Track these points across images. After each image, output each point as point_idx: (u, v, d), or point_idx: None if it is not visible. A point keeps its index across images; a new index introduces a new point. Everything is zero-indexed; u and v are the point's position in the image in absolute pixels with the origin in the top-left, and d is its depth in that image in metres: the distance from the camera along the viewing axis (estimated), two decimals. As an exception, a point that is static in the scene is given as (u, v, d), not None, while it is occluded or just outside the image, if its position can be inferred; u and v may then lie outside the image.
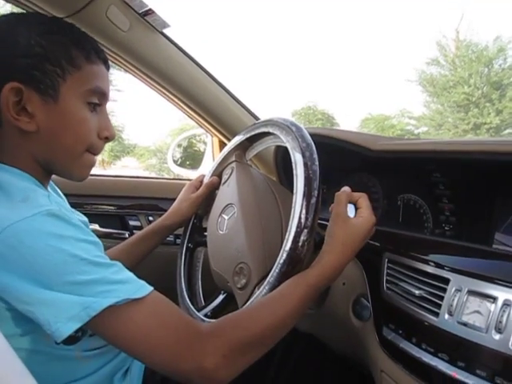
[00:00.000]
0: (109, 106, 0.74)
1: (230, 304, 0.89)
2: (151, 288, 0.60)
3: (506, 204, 0.77)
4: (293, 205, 0.72)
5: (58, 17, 0.70)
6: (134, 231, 1.33)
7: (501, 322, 0.56)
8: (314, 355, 0.96)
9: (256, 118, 1.38)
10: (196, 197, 1.02)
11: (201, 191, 1.02)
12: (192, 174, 1.57)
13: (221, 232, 0.89)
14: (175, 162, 1.62)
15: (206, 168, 1.40)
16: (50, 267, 0.54)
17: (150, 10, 1.04)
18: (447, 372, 0.61)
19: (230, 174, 0.97)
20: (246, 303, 0.74)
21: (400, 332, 0.70)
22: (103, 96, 0.71)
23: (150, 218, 1.39)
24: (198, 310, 0.91)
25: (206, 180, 1.04)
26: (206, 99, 1.26)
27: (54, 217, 0.57)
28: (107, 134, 0.72)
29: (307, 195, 0.71)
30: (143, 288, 0.59)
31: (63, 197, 0.85)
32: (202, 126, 1.41)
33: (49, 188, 0.75)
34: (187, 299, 0.95)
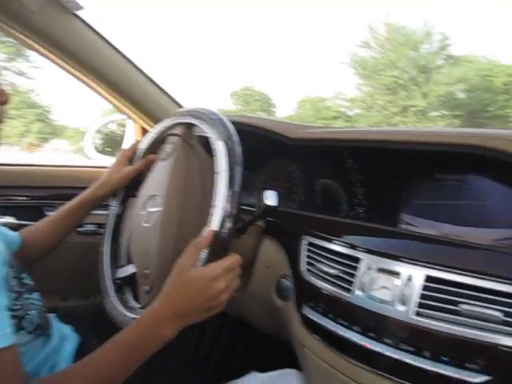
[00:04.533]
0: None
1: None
2: (6, 344, 0.57)
3: (410, 188, 0.85)
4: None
5: None
6: None
7: (404, 294, 0.63)
8: (242, 336, 1.00)
9: (177, 103, 1.37)
10: (129, 171, 0.97)
11: (136, 167, 0.97)
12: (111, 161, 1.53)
13: (144, 225, 0.87)
14: (95, 148, 1.56)
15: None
16: None
17: (62, -10, 0.99)
18: (360, 343, 0.66)
19: (171, 154, 0.91)
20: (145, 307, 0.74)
21: (318, 309, 0.76)
22: None
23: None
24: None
25: (140, 151, 1.00)
26: (123, 84, 1.23)
27: None
28: (4, 99, 0.69)
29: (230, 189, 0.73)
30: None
31: None
32: (122, 112, 1.37)
33: None
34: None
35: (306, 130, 0.95)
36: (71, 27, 1.08)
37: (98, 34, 1.13)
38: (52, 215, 0.98)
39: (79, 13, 1.07)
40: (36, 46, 1.06)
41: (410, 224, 0.85)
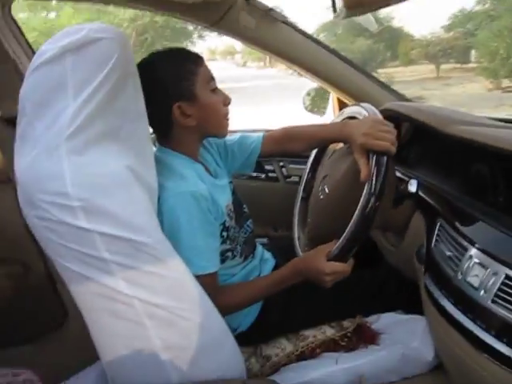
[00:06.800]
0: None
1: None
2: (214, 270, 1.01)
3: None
4: None
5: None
6: (269, 174, 1.76)
7: (482, 282, 0.81)
8: (395, 281, 1.27)
9: (373, 79, 1.58)
10: None
11: None
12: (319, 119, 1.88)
13: (321, 196, 1.19)
14: (305, 108, 1.92)
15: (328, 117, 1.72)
16: None
17: (271, 8, 1.31)
18: (450, 312, 0.89)
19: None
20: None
21: (434, 281, 0.98)
22: (214, 80, 1.07)
23: (281, 164, 1.77)
24: None
25: None
26: (324, 71, 1.52)
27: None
28: (228, 101, 1.10)
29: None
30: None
31: (213, 148, 1.25)
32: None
33: (201, 149, 1.16)
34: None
35: (460, 125, 1.06)
36: (283, 33, 1.40)
37: (303, 33, 1.43)
38: (300, 130, 1.25)
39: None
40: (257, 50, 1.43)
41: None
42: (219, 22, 1.28)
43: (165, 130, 1.06)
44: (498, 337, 0.77)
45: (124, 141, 0.89)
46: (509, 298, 0.77)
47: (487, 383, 0.82)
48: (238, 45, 36.93)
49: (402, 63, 20.48)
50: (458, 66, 19.11)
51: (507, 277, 0.78)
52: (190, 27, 18.04)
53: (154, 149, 1.10)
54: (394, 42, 20.93)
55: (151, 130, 1.05)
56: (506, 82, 14.73)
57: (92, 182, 0.81)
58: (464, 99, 12.33)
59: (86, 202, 0.79)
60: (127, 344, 0.85)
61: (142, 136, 0.94)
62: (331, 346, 1.13)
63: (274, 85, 17.78)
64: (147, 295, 0.82)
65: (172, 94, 1.02)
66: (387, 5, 0.69)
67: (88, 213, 0.79)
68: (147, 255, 0.82)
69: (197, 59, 1.05)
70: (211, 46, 41.40)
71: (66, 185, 0.79)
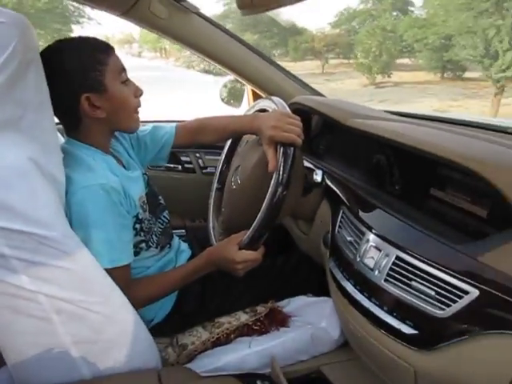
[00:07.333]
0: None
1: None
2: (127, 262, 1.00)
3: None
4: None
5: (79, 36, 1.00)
6: (186, 165, 1.75)
7: (378, 263, 0.89)
8: (305, 266, 1.34)
9: (287, 73, 1.63)
10: None
11: None
12: (235, 112, 1.90)
13: (234, 187, 1.22)
14: (222, 100, 1.94)
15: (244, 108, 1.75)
16: None
17: (182, -2, 1.31)
18: (349, 291, 0.96)
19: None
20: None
21: (336, 263, 1.05)
22: (125, 71, 1.04)
23: (197, 155, 1.77)
24: None
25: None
26: (238, 65, 1.55)
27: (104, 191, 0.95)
28: (139, 93, 1.08)
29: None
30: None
31: (125, 139, 1.22)
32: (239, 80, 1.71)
33: (112, 140, 1.14)
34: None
35: (360, 119, 1.14)
36: (194, 24, 1.40)
37: (216, 25, 1.44)
38: (213, 122, 1.26)
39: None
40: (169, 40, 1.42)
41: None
42: (130, 10, 1.25)
43: (73, 121, 1.03)
44: (390, 312, 0.86)
45: (26, 131, 0.84)
46: (398, 276, 0.85)
47: (382, 355, 0.90)
48: (136, 34, 35.80)
49: (292, 59, 21.19)
50: (346, 61, 20.23)
51: (397, 257, 0.86)
52: (60, 12, 16.60)
53: (63, 140, 1.06)
54: (282, 38, 21.60)
55: (58, 120, 1.01)
56: (379, 78, 16.23)
57: (-10, 174, 0.77)
58: (341, 94, 13.22)
59: (-18, 195, 0.75)
60: (34, 342, 0.82)
61: (46, 127, 0.90)
62: (245, 330, 1.17)
63: (159, 77, 17.70)
64: (53, 290, 0.80)
65: (80, 85, 0.98)
66: (279, 6, 0.73)
67: (-15, 207, 0.75)
68: (52, 249, 0.80)
69: (107, 49, 1.01)
70: (107, 34, 38.76)
71: (-40, 178, 0.74)
